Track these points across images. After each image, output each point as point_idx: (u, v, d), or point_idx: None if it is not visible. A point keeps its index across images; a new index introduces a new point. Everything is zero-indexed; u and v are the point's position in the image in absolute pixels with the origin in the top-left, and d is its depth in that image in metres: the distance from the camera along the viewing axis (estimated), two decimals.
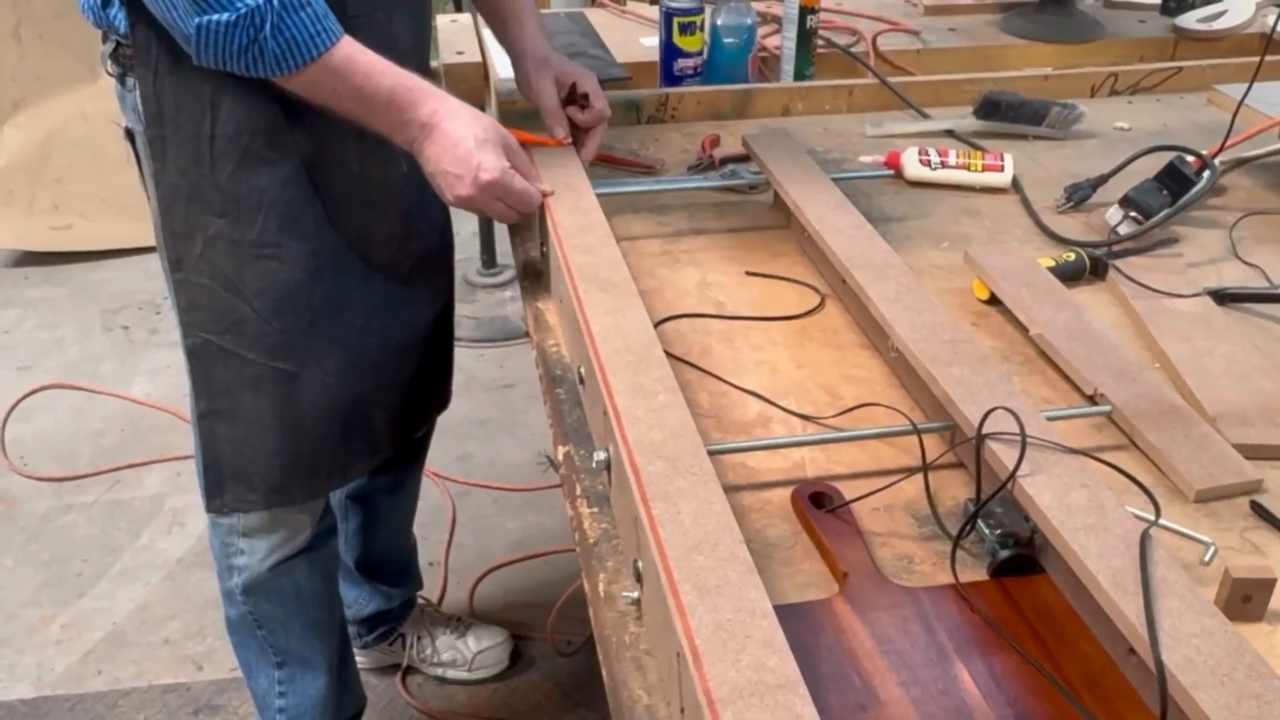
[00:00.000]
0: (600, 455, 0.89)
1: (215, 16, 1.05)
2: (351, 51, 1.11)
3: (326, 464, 1.40)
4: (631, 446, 0.81)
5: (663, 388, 0.89)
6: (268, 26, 1.06)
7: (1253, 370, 1.06)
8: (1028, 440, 0.81)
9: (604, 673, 0.77)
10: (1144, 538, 0.74)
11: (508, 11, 1.38)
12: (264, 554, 1.46)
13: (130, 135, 1.26)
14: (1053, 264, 1.22)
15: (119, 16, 1.14)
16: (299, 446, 1.36)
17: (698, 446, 0.82)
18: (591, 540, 0.87)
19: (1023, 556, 0.82)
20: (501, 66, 1.73)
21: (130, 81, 1.19)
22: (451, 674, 1.95)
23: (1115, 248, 1.28)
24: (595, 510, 0.90)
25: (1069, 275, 1.22)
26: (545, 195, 1.20)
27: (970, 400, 0.89)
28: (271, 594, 1.50)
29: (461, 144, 1.13)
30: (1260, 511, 0.89)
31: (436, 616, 2.00)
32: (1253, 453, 0.94)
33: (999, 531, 0.82)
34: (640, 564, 0.77)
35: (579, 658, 1.99)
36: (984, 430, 0.84)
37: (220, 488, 1.36)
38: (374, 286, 1.35)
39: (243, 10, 1.04)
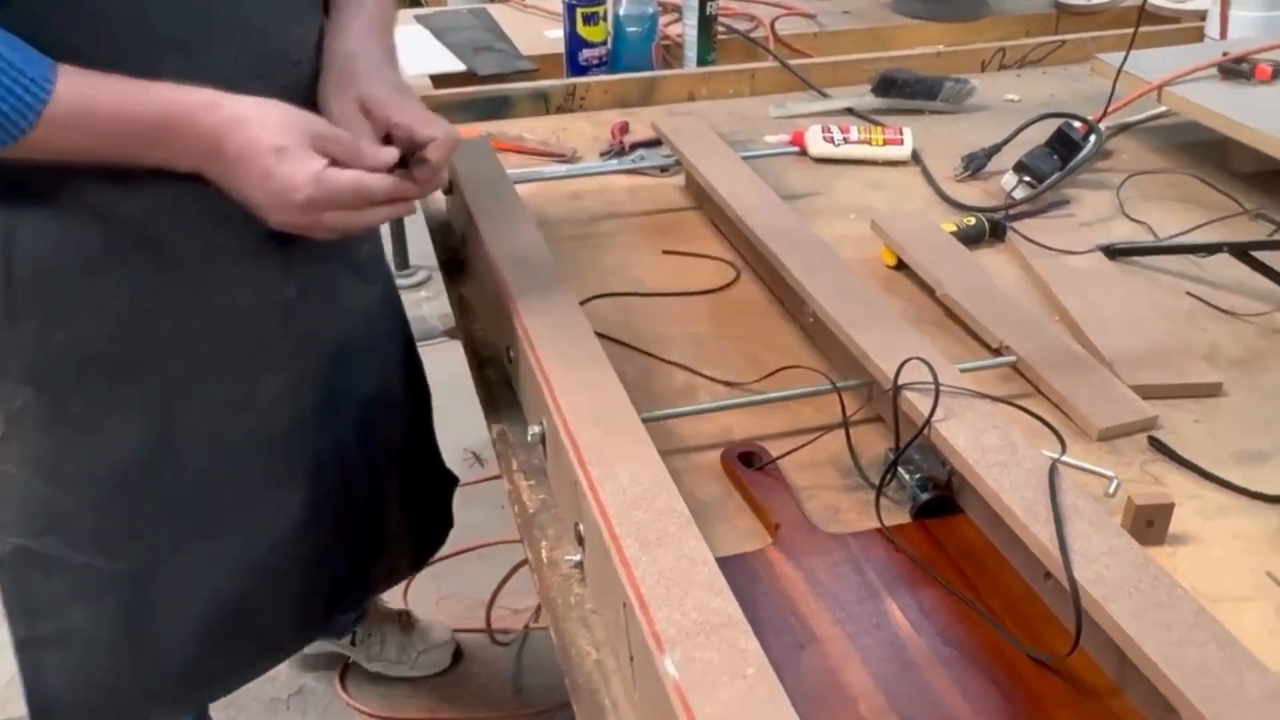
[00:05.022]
0: (535, 429, 0.92)
1: None
2: (81, 90, 0.82)
3: (197, 677, 1.14)
4: (566, 414, 0.84)
5: (591, 358, 0.91)
6: None
7: (1144, 318, 1.13)
8: (941, 388, 0.86)
9: (553, 634, 0.79)
10: (1052, 470, 0.79)
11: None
12: None
13: None
14: (954, 229, 1.28)
15: None
16: (155, 664, 1.10)
17: (630, 411, 0.85)
18: (531, 510, 0.90)
19: (942, 499, 0.86)
20: (410, 62, 1.75)
21: None
22: (393, 671, 1.95)
23: (1012, 211, 1.35)
24: (533, 482, 0.93)
25: (970, 239, 1.28)
26: (391, 166, 0.91)
27: (886, 356, 0.93)
28: None
29: (257, 162, 0.86)
30: (1158, 446, 0.95)
31: (386, 613, 1.97)
32: (1148, 393, 1.00)
33: (919, 476, 0.87)
34: (581, 527, 0.80)
35: (514, 648, 2.01)
36: (900, 381, 0.89)
37: None
38: (260, 448, 1.07)
39: None
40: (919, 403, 0.87)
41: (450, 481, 1.46)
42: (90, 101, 0.83)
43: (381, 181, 0.90)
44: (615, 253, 1.29)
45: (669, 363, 1.08)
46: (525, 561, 2.01)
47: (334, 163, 0.88)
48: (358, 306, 1.15)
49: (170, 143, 0.86)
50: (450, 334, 2.80)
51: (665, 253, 1.29)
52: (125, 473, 1.01)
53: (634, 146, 1.54)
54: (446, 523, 1.46)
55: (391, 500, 1.28)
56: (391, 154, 0.91)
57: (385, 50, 1.01)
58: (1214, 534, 0.86)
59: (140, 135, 0.85)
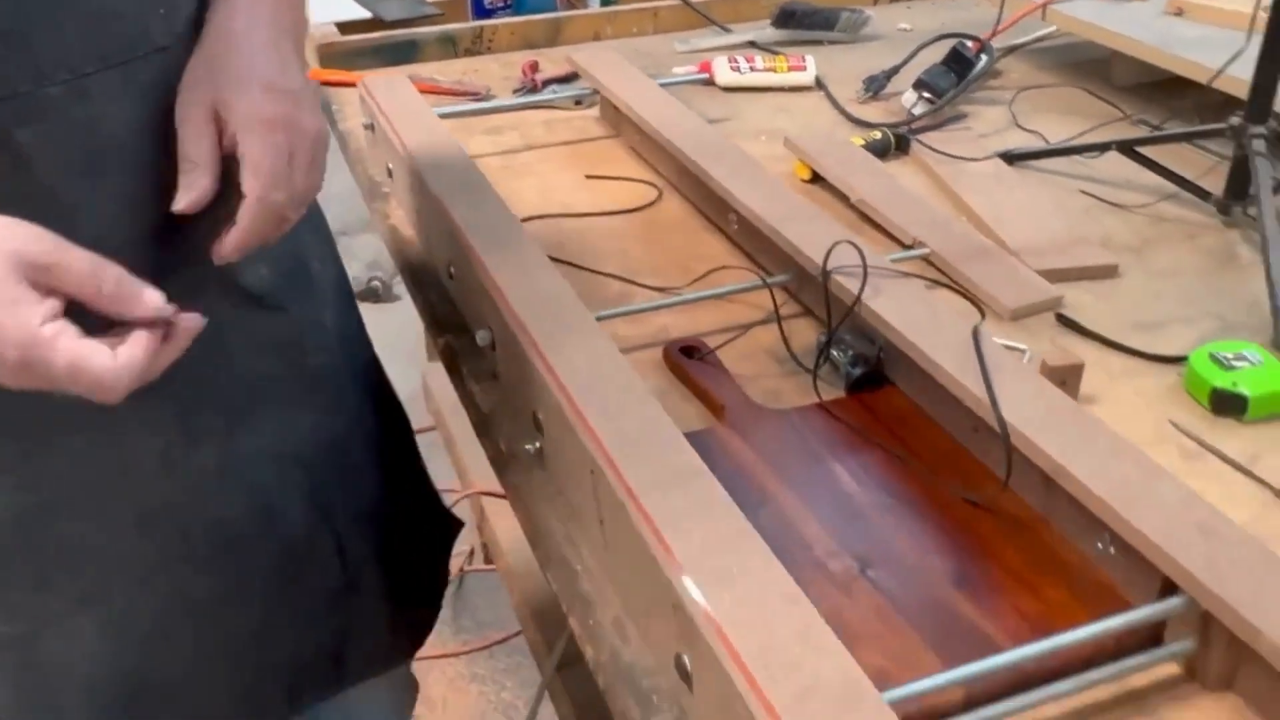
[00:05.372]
0: (484, 333, 0.95)
1: None
2: None
3: None
4: (517, 312, 0.87)
5: (535, 264, 0.95)
6: None
7: (1044, 213, 1.20)
8: (869, 269, 0.92)
9: (520, 516, 0.83)
10: (975, 331, 0.85)
11: None
12: None
13: None
14: (862, 143, 1.34)
15: None
16: None
17: (578, 306, 0.89)
18: (486, 410, 0.93)
19: (873, 373, 0.92)
20: (314, 10, 1.74)
21: None
22: None
23: (914, 126, 1.41)
24: (484, 385, 0.96)
25: (877, 152, 1.34)
26: (155, 317, 0.67)
27: (813, 246, 0.98)
28: None
29: None
30: (1065, 321, 1.02)
31: None
32: (1053, 277, 1.08)
33: (851, 354, 0.93)
34: (540, 414, 0.83)
35: (451, 590, 2.04)
36: (829, 266, 0.94)
37: None
38: (150, 517, 0.90)
39: None
40: (849, 284, 0.93)
41: (451, 529, 1.21)
42: None
43: (120, 368, 0.64)
44: (538, 180, 1.32)
45: (604, 274, 1.12)
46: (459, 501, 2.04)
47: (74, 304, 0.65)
48: (262, 344, 0.93)
49: None
50: (363, 296, 2.79)
51: (588, 178, 1.32)
52: None
53: (546, 83, 1.57)
54: (438, 585, 1.20)
55: (362, 569, 1.06)
56: (150, 300, 0.66)
57: (277, 28, 0.80)
58: (1120, 392, 0.93)
59: None
